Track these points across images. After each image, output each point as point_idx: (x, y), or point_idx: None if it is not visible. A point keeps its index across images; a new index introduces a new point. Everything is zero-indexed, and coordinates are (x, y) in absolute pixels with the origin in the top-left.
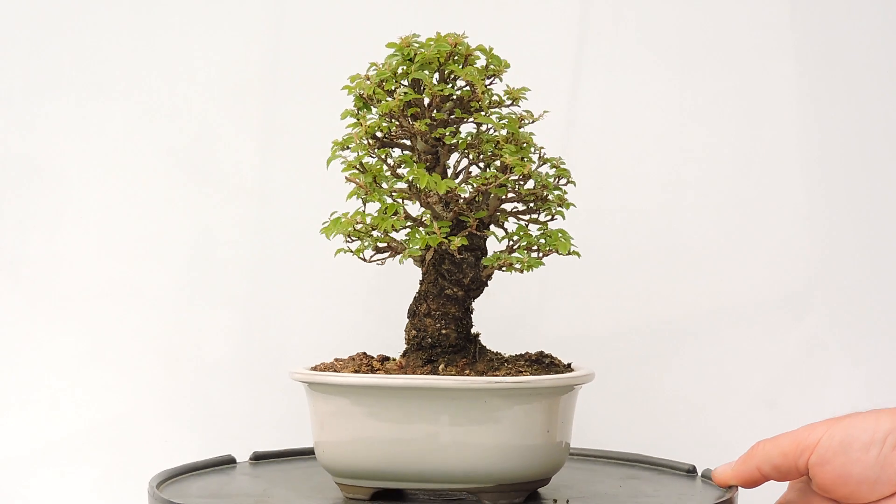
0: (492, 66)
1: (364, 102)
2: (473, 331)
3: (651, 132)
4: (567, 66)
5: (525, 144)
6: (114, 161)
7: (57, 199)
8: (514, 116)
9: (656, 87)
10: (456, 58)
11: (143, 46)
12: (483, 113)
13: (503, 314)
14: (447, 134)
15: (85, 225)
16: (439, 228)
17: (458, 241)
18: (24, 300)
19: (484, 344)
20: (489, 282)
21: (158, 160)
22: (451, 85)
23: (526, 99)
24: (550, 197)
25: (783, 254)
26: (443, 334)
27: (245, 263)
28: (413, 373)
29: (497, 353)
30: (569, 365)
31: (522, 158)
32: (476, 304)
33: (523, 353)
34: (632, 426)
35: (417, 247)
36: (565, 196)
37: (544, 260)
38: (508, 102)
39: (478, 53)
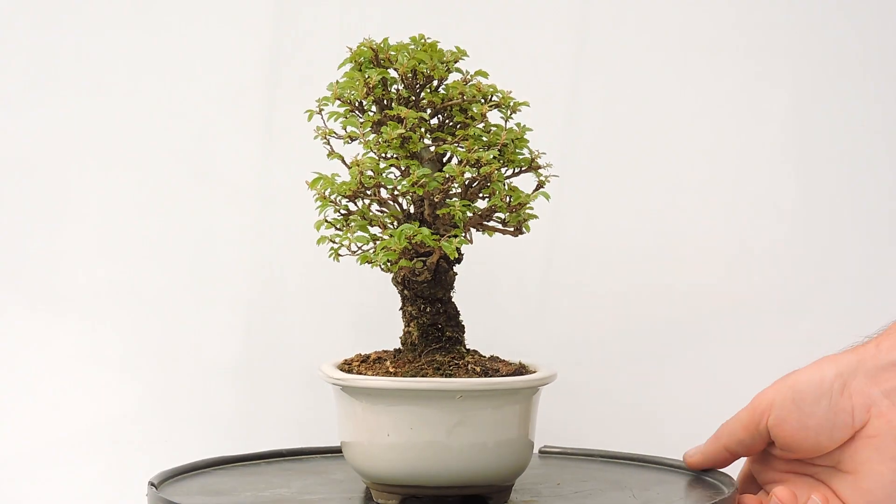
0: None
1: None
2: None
3: (651, 132)
4: (567, 66)
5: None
6: (114, 161)
7: (57, 199)
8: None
9: (656, 87)
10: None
11: (144, 46)
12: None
13: (503, 314)
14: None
15: (85, 225)
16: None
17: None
18: (24, 300)
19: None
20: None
21: (159, 160)
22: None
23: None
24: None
25: (783, 254)
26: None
27: (245, 263)
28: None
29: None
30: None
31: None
32: (476, 304)
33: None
34: (629, 425)
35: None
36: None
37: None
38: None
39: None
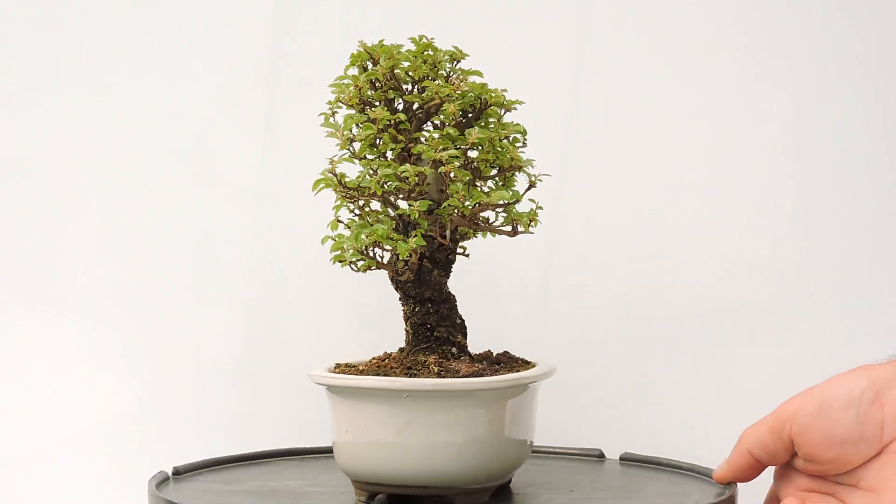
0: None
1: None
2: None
3: (651, 132)
4: (567, 66)
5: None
6: (114, 161)
7: (57, 199)
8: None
9: (656, 87)
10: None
11: (144, 46)
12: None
13: (503, 314)
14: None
15: (85, 225)
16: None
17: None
18: (24, 300)
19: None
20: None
21: (159, 160)
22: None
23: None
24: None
25: (783, 254)
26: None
27: (245, 263)
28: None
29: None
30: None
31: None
32: (475, 304)
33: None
34: (630, 425)
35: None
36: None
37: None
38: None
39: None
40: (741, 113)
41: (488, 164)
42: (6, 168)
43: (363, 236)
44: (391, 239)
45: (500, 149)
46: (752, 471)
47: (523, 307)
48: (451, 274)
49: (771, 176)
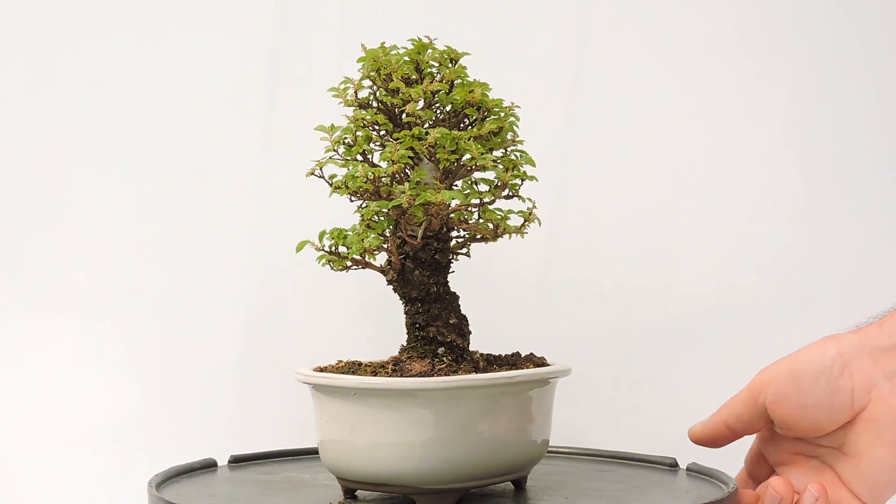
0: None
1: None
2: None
3: (651, 132)
4: (567, 66)
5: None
6: (114, 161)
7: (57, 199)
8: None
9: (656, 87)
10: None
11: (144, 46)
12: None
13: (503, 314)
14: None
15: (85, 225)
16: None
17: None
18: (24, 300)
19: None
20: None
21: (159, 160)
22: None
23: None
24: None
25: (783, 253)
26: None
27: (245, 264)
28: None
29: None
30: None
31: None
32: (475, 304)
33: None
34: (630, 425)
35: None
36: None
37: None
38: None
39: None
40: (741, 113)
41: (452, 164)
42: (6, 168)
43: (325, 238)
44: (352, 237)
45: (463, 149)
46: (724, 440)
47: (523, 307)
48: (446, 274)
49: (771, 176)
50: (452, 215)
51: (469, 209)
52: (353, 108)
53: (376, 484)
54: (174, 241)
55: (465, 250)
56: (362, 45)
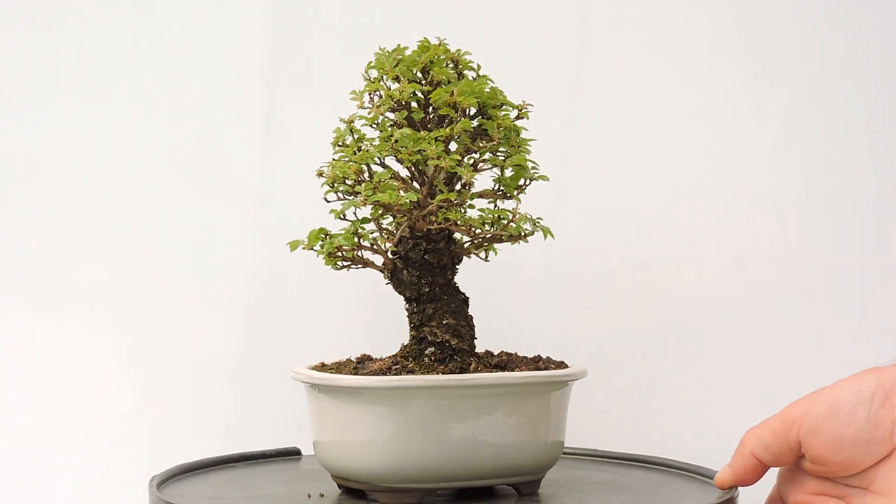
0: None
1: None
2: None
3: (651, 132)
4: (567, 66)
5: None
6: (114, 161)
7: (57, 199)
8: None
9: (656, 86)
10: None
11: (144, 46)
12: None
13: (503, 314)
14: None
15: (85, 225)
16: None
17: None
18: (24, 300)
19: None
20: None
21: (159, 160)
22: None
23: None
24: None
25: (783, 254)
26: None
27: (246, 263)
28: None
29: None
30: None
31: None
32: (475, 304)
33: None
34: (630, 426)
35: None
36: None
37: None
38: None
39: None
40: (741, 113)
41: (417, 165)
42: (7, 168)
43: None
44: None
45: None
46: (754, 473)
47: (523, 307)
48: (444, 274)
49: (771, 176)
50: (436, 216)
51: (459, 209)
52: (372, 108)
53: (345, 479)
54: (174, 240)
55: (482, 253)
56: (381, 48)
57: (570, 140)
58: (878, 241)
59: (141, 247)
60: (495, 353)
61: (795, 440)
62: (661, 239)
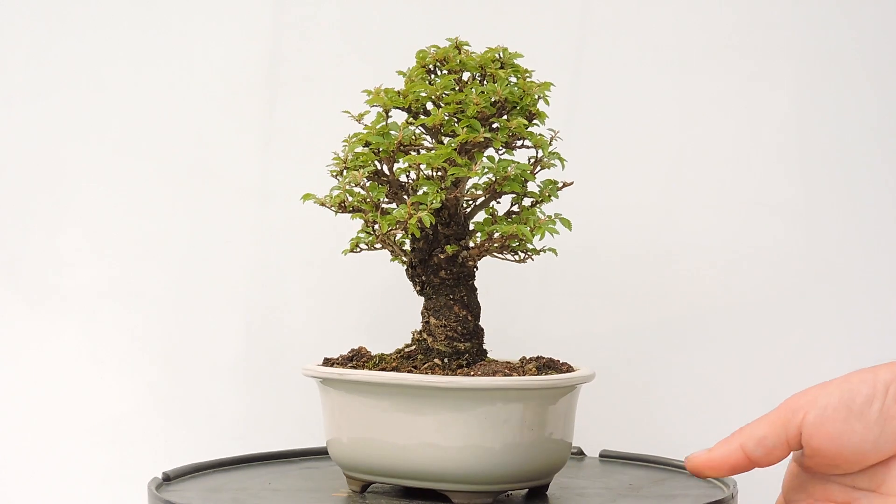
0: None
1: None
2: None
3: (651, 132)
4: (567, 65)
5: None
6: (114, 161)
7: (57, 199)
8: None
9: (656, 86)
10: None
11: (144, 46)
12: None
13: (503, 314)
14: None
15: (85, 225)
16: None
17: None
18: (24, 300)
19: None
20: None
21: (159, 160)
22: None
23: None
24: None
25: (782, 253)
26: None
27: (246, 263)
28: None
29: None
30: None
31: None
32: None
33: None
34: (630, 426)
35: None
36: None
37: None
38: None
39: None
40: (740, 113)
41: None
42: (6, 167)
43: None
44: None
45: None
46: (731, 467)
47: (523, 307)
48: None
49: (770, 176)
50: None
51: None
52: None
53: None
54: (174, 240)
55: (512, 256)
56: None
57: (570, 140)
58: (878, 241)
59: (141, 246)
60: (528, 357)
61: (796, 431)
62: (660, 239)
